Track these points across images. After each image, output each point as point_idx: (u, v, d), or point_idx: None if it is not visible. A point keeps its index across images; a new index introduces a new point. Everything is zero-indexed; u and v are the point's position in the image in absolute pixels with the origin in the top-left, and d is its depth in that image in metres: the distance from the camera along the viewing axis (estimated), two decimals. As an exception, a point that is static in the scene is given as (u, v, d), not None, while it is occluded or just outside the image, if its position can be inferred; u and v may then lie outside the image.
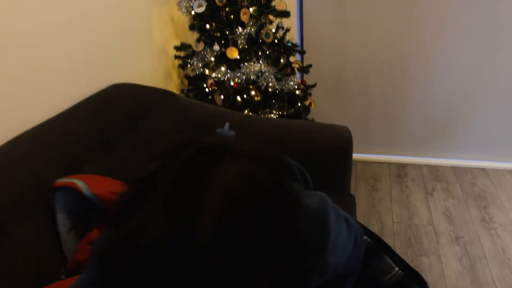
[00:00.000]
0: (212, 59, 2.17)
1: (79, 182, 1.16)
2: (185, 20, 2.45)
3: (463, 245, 2.09)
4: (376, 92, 2.77)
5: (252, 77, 2.10)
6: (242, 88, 2.15)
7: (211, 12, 2.13)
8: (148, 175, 0.59)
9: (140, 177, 0.60)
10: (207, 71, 2.19)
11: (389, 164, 2.85)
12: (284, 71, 2.18)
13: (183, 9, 2.15)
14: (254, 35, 2.13)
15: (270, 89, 2.13)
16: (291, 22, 2.41)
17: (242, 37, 2.12)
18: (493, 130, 2.74)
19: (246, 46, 2.14)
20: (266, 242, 0.55)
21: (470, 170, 2.76)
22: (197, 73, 2.21)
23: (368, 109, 2.83)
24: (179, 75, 2.50)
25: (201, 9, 2.10)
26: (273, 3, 2.15)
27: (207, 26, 2.16)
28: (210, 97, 2.24)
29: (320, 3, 2.55)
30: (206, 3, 2.10)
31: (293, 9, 2.47)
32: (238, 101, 2.18)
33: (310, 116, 2.44)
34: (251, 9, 2.10)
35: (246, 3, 2.09)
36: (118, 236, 0.55)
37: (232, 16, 2.13)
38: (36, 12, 1.38)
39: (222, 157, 0.60)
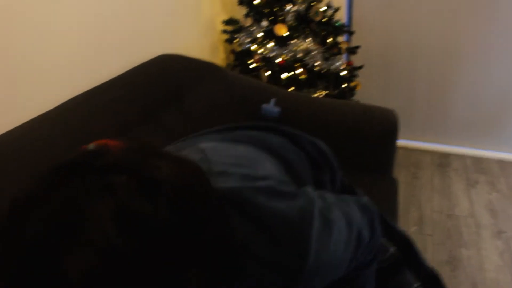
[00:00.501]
0: (260, 35, 2.16)
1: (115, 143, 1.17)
2: (234, -5, 2.45)
3: (505, 240, 2.03)
4: (424, 77, 2.69)
5: (299, 55, 2.08)
6: (288, 65, 2.13)
7: (262, -13, 2.11)
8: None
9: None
10: (253, 47, 2.19)
11: (432, 152, 2.78)
12: (332, 51, 2.15)
13: (234, -17, 2.14)
14: (303, 13, 2.10)
15: (316, 68, 2.11)
16: (339, 1, 2.36)
17: (291, 14, 2.10)
18: (545, 125, 2.63)
19: (294, 24, 2.12)
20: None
21: (517, 164, 2.66)
22: (244, 48, 2.21)
23: (414, 95, 2.75)
24: (225, 49, 2.50)
25: (252, -16, 2.09)
26: (324, -19, 2.11)
27: (256, 1, 2.14)
28: (255, 73, 2.24)
29: (372, -17, 2.48)
30: (257, -22, 2.08)
31: (344, -14, 2.42)
32: (283, 78, 2.17)
33: (354, 98, 2.40)
34: (302, -14, 2.08)
35: (297, -21, 2.06)
36: None
37: (282, -8, 2.11)
38: (94, -22, 1.41)
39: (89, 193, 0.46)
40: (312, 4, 2.12)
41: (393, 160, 1.67)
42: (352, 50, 2.35)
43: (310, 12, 2.12)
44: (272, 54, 2.14)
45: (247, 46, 2.18)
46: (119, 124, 1.37)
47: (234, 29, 2.25)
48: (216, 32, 2.38)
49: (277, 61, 2.13)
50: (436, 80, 2.68)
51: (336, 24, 2.16)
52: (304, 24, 2.14)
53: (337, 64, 2.12)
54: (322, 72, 2.14)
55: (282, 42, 2.12)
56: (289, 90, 2.17)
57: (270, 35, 2.14)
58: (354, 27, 2.59)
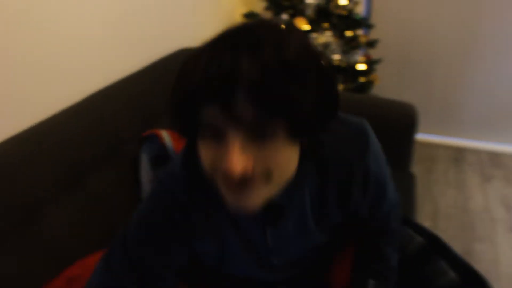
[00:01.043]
0: (279, 28, 2.18)
1: (163, 133, 1.22)
2: (253, -12, 2.46)
3: (520, 235, 2.05)
4: (441, 72, 2.69)
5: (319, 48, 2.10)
6: (307, 59, 2.15)
7: (282, -20, 2.12)
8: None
9: None
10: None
11: (447, 146, 2.79)
12: (351, 44, 2.16)
13: (254, -24, 2.16)
14: (323, 6, 2.12)
15: (335, 63, 2.12)
16: (359, -5, 2.36)
17: (311, 7, 2.11)
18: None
19: (314, 17, 2.13)
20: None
21: (533, 160, 2.67)
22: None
23: (430, 89, 2.76)
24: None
25: (272, -23, 2.10)
26: (345, -26, 2.12)
27: (277, -6, 2.16)
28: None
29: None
30: (278, -29, 2.09)
31: (364, -19, 2.42)
32: (302, 72, 2.18)
33: (373, 92, 2.42)
34: (323, -21, 2.08)
35: (318, -27, 2.07)
36: None
37: (302, -14, 2.12)
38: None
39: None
40: (332, -3, 2.13)
41: (411, 155, 1.69)
42: (371, 44, 2.35)
43: (330, 5, 2.12)
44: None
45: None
46: (145, 116, 1.41)
47: (254, 22, 2.26)
48: (236, 24, 2.40)
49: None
50: (452, 74, 2.69)
51: (357, 18, 2.16)
52: (324, 17, 2.15)
53: (356, 57, 2.13)
54: (340, 65, 2.15)
55: (301, 35, 2.14)
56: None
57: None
58: (373, 21, 2.59)
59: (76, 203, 1.10)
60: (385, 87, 2.75)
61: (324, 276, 0.99)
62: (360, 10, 2.39)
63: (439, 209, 2.22)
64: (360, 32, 2.30)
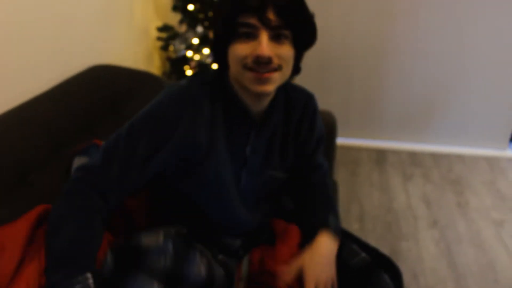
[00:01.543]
0: (195, 41, 2.14)
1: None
2: (168, 1, 2.40)
3: (440, 229, 2.14)
4: (358, 77, 2.78)
5: (235, 61, 2.08)
6: (226, 71, 2.12)
7: (195, -8, 2.09)
8: None
9: None
10: (189, 54, 2.16)
11: (369, 149, 2.88)
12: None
13: (166, -11, 2.11)
14: (238, 18, 2.10)
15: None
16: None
17: (226, 19, 2.09)
18: (469, 117, 2.80)
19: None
20: None
21: (447, 156, 2.82)
22: (179, 55, 2.18)
23: (349, 94, 2.84)
24: (160, 57, 2.46)
25: (184, -10, 2.06)
26: (257, -14, 2.12)
27: (191, 7, 2.12)
28: (192, 80, 2.21)
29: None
30: (189, -16, 2.06)
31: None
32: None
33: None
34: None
35: (230, -16, 2.06)
36: None
37: (216, -2, 2.10)
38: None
39: None
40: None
41: (332, 163, 1.70)
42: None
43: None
44: (208, 60, 2.12)
45: (182, 52, 2.15)
46: (50, 141, 1.30)
47: (169, 36, 2.21)
48: (151, 39, 2.33)
49: (213, 67, 2.12)
50: (370, 79, 2.79)
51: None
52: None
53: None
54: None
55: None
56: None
57: (205, 41, 2.12)
58: (289, 30, 2.62)
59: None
60: (306, 95, 2.79)
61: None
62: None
63: (365, 211, 2.27)
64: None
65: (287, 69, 0.96)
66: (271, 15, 0.87)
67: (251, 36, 0.89)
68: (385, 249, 2.01)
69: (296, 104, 1.11)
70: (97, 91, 1.58)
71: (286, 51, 0.92)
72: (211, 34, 2.08)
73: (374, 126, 2.93)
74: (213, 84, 1.00)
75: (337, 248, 1.05)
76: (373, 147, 2.90)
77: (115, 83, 1.67)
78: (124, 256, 0.89)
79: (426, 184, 2.52)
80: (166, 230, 0.95)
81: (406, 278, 1.83)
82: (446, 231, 2.13)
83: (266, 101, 1.03)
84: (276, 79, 0.94)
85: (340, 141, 2.90)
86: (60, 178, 1.18)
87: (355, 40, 2.66)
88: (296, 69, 1.03)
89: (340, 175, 2.55)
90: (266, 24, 0.87)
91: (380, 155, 2.82)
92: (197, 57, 2.15)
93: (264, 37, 0.88)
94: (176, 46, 2.16)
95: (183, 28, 2.15)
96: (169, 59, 2.36)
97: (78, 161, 1.15)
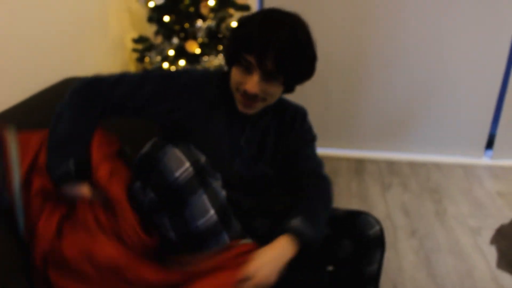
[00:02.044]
0: (171, 52, 2.12)
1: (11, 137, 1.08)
2: (143, 12, 2.37)
3: (418, 238, 2.15)
4: (336, 87, 2.80)
5: (212, 72, 2.06)
6: (202, 83, 2.10)
7: (171, 4, 2.07)
8: None
9: None
10: (165, 65, 2.13)
11: (348, 159, 2.89)
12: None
13: (141, 0, 2.08)
14: (214, 29, 2.09)
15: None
16: (251, 16, 2.38)
17: (202, 30, 2.08)
18: (445, 126, 2.84)
19: (206, 40, 2.10)
20: None
21: (425, 164, 2.84)
22: (155, 66, 2.15)
23: (327, 104, 2.85)
24: (136, 68, 2.42)
25: (160, 1, 2.04)
26: (233, -3, 2.12)
27: (166, 18, 2.10)
28: (169, 91, 2.18)
29: (280, 2, 2.53)
30: (165, -5, 2.04)
31: (253, 3, 2.44)
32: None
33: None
34: (211, 2, 2.06)
35: (206, -5, 2.05)
36: None
37: (191, 9, 2.08)
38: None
39: None
40: (222, 19, 2.12)
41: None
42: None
43: (221, 27, 2.11)
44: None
45: (158, 64, 2.12)
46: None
47: (145, 47, 2.18)
48: (126, 50, 2.30)
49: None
50: (347, 89, 2.80)
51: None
52: (216, 40, 2.13)
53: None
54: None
55: (194, 59, 2.09)
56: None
57: (181, 52, 2.10)
58: (266, 41, 2.63)
59: None
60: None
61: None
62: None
63: (345, 221, 2.26)
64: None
65: (272, 99, 1.10)
66: (269, 61, 0.98)
67: (247, 70, 1.02)
68: (365, 260, 2.00)
69: (288, 111, 1.25)
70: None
71: (274, 89, 1.06)
72: (186, 46, 2.06)
73: (353, 136, 2.95)
74: (222, 80, 1.14)
75: (292, 254, 1.05)
76: (351, 157, 2.91)
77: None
78: (197, 168, 0.99)
79: (405, 193, 2.53)
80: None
81: (386, 288, 1.83)
82: (425, 240, 2.13)
83: None
84: (259, 107, 1.09)
85: (319, 151, 2.89)
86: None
87: (333, 49, 2.67)
88: (291, 90, 1.16)
89: (320, 186, 2.54)
90: (262, 67, 0.99)
91: (359, 165, 2.83)
92: (173, 68, 2.12)
93: (255, 76, 1.01)
94: (152, 58, 2.13)
95: (158, 40, 2.13)
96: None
97: None
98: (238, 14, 2.17)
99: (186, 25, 2.10)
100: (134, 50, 2.24)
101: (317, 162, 1.28)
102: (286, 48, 0.99)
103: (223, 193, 1.07)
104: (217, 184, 1.06)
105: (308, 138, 1.29)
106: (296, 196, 1.20)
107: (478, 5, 2.49)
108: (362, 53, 2.69)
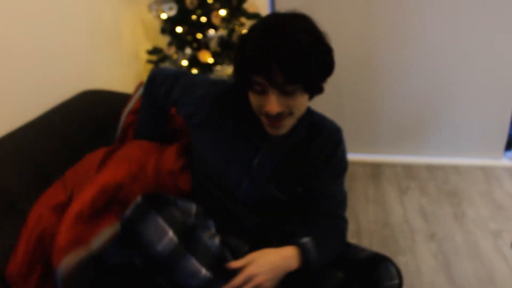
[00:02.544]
0: (184, 63, 2.15)
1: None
2: (156, 24, 2.42)
3: (437, 242, 2.12)
4: (350, 92, 2.79)
5: (225, 80, 2.09)
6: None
7: (182, 15, 2.11)
8: None
9: None
10: (179, 75, 2.17)
11: (364, 163, 2.87)
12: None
13: (154, 12, 2.12)
14: (226, 38, 2.12)
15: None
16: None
17: (214, 40, 2.11)
18: (463, 128, 2.80)
19: (218, 49, 2.13)
20: None
21: (443, 167, 2.81)
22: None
23: (341, 109, 2.84)
24: (151, 79, 2.46)
25: (172, 12, 2.08)
26: (244, 6, 2.15)
27: (179, 29, 2.14)
28: (183, 101, 2.21)
29: (292, 6, 2.54)
30: (177, 6, 2.07)
31: (264, 11, 2.47)
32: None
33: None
34: (222, 12, 2.09)
35: (217, 5, 2.08)
36: None
37: (203, 19, 2.11)
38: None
39: None
40: (234, 29, 2.14)
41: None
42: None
43: (233, 36, 2.14)
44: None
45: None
46: (37, 170, 1.30)
47: (159, 59, 2.22)
48: (141, 62, 2.34)
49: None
50: (362, 93, 2.79)
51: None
52: (228, 49, 2.15)
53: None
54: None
55: (207, 68, 2.12)
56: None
57: (195, 62, 2.14)
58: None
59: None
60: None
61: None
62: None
63: (362, 226, 2.25)
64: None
65: (299, 111, 1.04)
66: (278, 75, 0.93)
67: (262, 91, 0.97)
68: (382, 264, 1.98)
69: (321, 132, 1.18)
70: (86, 116, 1.58)
71: (297, 100, 1.00)
72: (199, 56, 2.09)
73: (369, 140, 2.93)
74: (230, 93, 1.15)
75: (293, 268, 1.04)
76: (368, 161, 2.89)
77: (104, 107, 1.67)
78: (152, 200, 0.99)
79: (422, 196, 2.50)
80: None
81: (404, 293, 1.81)
82: (443, 244, 2.10)
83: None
84: (288, 123, 1.04)
85: (335, 156, 2.89)
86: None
87: (347, 53, 2.67)
88: (319, 91, 1.09)
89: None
90: (273, 83, 0.94)
91: (375, 169, 2.81)
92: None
93: (272, 95, 0.96)
94: (166, 68, 2.17)
95: (172, 51, 2.17)
96: (159, 81, 2.37)
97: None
98: (249, 23, 2.20)
99: (199, 36, 2.14)
100: (149, 61, 2.28)
101: (340, 202, 1.22)
102: (291, 57, 0.92)
103: (216, 242, 1.04)
104: (208, 234, 1.04)
105: (338, 171, 1.21)
106: (308, 222, 1.17)
107: (494, 5, 2.46)
108: (377, 56, 2.68)
